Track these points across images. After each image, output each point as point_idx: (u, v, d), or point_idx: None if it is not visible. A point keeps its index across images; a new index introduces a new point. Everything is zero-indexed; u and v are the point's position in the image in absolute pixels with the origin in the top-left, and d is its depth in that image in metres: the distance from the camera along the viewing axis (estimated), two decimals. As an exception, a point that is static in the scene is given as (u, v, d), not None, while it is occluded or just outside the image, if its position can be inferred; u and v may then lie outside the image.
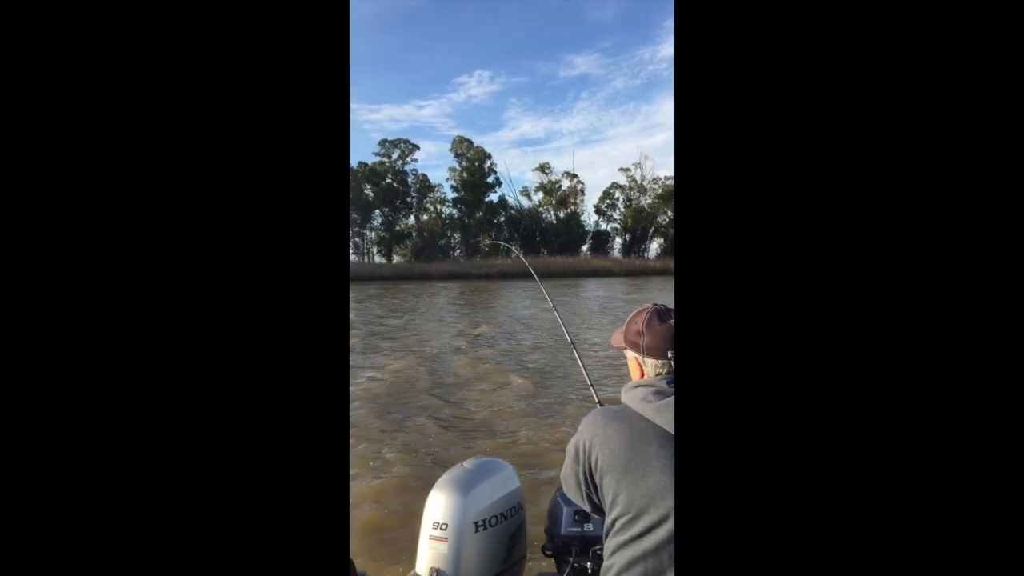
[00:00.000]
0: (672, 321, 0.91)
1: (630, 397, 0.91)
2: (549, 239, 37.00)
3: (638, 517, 0.83)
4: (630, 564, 0.83)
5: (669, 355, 0.90)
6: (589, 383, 1.71)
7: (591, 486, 0.93)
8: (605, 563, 0.88)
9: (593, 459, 0.90)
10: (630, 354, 0.97)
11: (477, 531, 1.33)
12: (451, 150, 36.45)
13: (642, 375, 0.95)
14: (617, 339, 1.00)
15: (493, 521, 1.36)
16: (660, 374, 0.91)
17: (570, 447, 0.97)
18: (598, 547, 1.38)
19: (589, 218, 39.86)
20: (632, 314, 0.98)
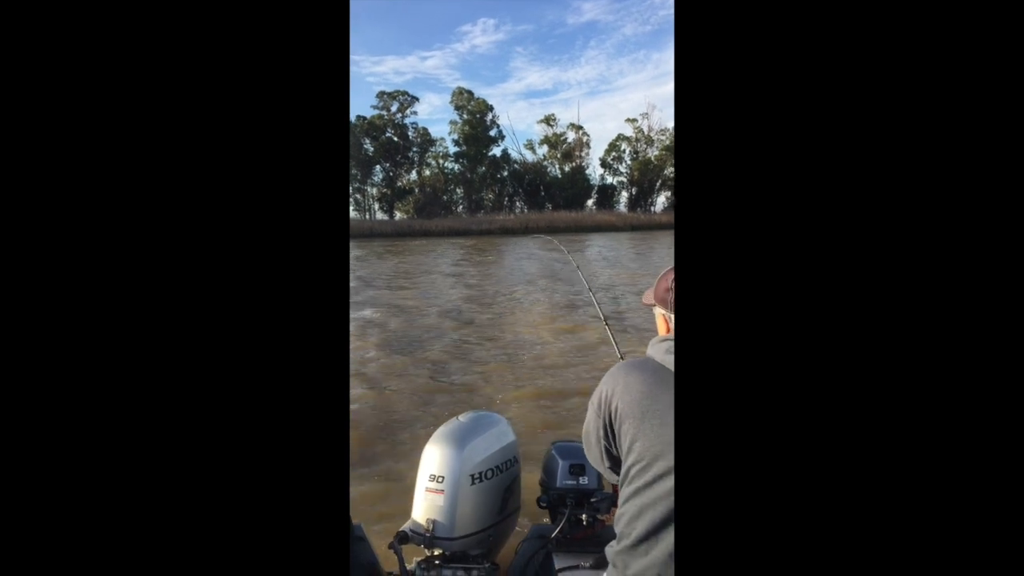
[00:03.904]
0: None
1: (655, 350, 0.91)
2: (553, 194, 36.41)
3: (651, 464, 0.84)
4: (640, 511, 0.84)
5: None
6: (614, 341, 1.71)
7: (610, 437, 0.94)
8: (618, 511, 0.89)
9: (613, 407, 0.91)
10: (658, 311, 0.98)
11: (473, 483, 1.34)
12: (451, 102, 35.37)
13: (668, 331, 0.96)
14: (648, 297, 1.01)
15: (489, 474, 1.36)
16: None
17: (592, 400, 0.98)
18: (593, 499, 1.39)
19: (595, 172, 39.09)
20: (663, 272, 0.98)
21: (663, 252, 15.32)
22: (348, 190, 0.63)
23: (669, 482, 0.82)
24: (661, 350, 0.89)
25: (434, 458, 1.36)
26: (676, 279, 0.58)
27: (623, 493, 0.89)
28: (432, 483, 1.34)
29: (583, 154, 37.95)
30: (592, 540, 1.36)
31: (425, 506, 1.34)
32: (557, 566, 1.29)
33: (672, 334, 0.93)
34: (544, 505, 1.45)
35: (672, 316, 0.94)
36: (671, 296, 0.92)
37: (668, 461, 0.82)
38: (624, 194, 38.93)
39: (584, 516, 1.37)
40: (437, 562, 1.33)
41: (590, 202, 37.93)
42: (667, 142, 37.12)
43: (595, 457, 1.00)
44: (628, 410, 0.89)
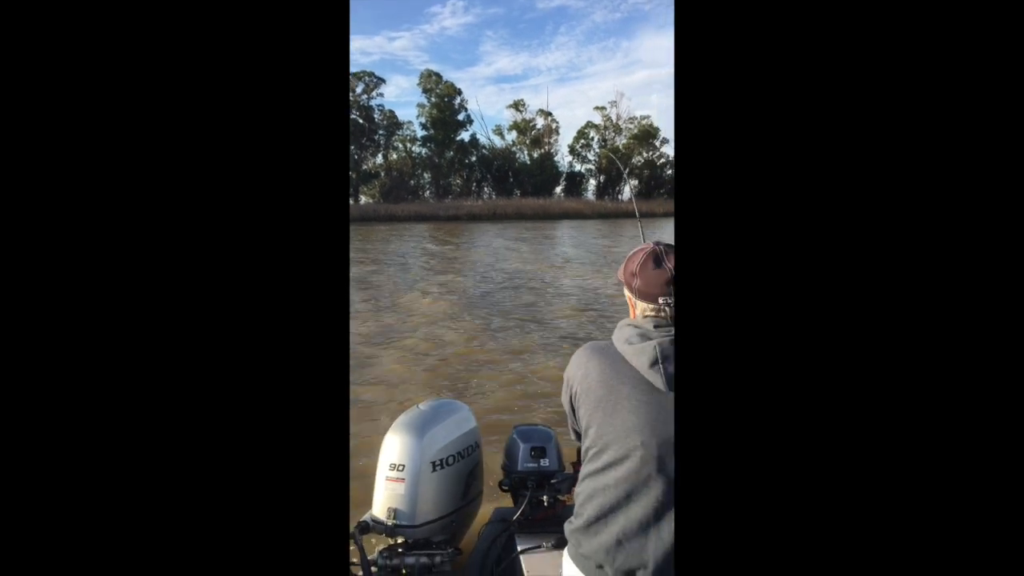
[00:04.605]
0: (670, 266, 0.89)
1: (617, 335, 0.91)
2: (522, 180, 36.28)
3: (603, 451, 0.86)
4: (592, 495, 0.87)
5: (660, 301, 0.89)
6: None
7: (573, 416, 0.96)
8: (577, 487, 0.93)
9: (574, 390, 0.93)
10: (627, 294, 0.97)
11: (434, 471, 1.34)
12: (419, 85, 34.60)
13: (634, 315, 0.96)
14: (620, 274, 0.99)
15: (450, 460, 1.36)
16: (648, 317, 0.91)
17: (564, 376, 0.99)
18: (554, 480, 1.42)
19: (563, 159, 39.11)
20: (633, 251, 0.96)
21: (631, 243, 15.54)
22: (348, 184, 0.62)
23: (617, 471, 0.84)
24: (622, 338, 0.90)
25: (394, 447, 1.35)
26: (676, 276, 0.57)
27: (582, 471, 0.92)
28: (392, 472, 1.33)
29: (552, 141, 37.90)
30: (553, 520, 1.38)
31: (386, 495, 1.33)
32: (519, 547, 1.31)
33: (635, 319, 0.93)
34: (506, 488, 1.46)
35: (638, 301, 0.93)
36: (636, 282, 0.92)
37: (616, 451, 0.84)
38: (592, 182, 39.18)
39: (545, 497, 1.40)
40: (400, 550, 1.32)
41: (558, 189, 37.99)
42: (635, 130, 37.46)
43: (569, 427, 1.03)
44: (585, 397, 0.90)
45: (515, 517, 1.37)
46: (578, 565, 0.89)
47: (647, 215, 27.21)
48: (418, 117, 35.01)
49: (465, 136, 35.83)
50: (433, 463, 1.34)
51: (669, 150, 38.71)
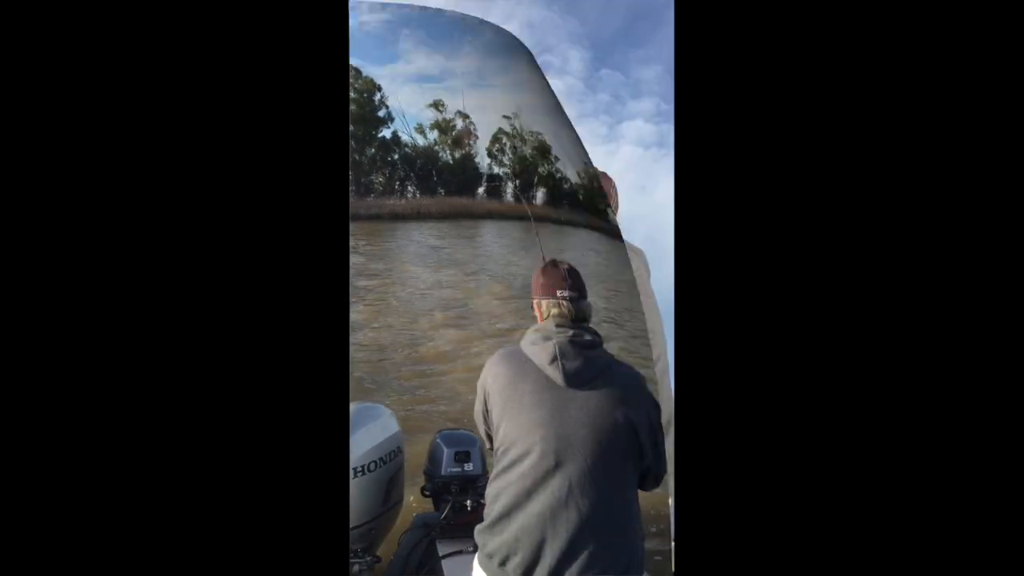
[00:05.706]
0: (564, 267, 1.03)
1: (524, 340, 0.98)
2: (446, 179, 36.03)
3: (509, 449, 0.90)
4: (498, 494, 0.90)
5: (559, 294, 0.98)
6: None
7: (487, 421, 1.00)
8: (488, 488, 0.95)
9: (485, 394, 0.98)
10: (534, 303, 1.04)
11: (355, 477, 1.30)
12: (337, 77, 33.17)
13: (541, 319, 1.02)
14: (535, 294, 1.06)
15: (372, 466, 1.34)
16: (552, 315, 0.98)
17: (478, 384, 1.03)
18: (478, 484, 1.43)
19: (482, 160, 39.35)
20: (536, 271, 1.06)
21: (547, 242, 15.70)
22: (347, 184, 0.61)
23: (520, 468, 0.87)
24: (527, 340, 0.97)
25: None
26: (676, 278, 0.60)
27: (492, 471, 0.95)
28: None
29: (471, 142, 37.98)
30: (475, 524, 1.40)
31: None
32: (440, 553, 1.31)
33: (541, 323, 1.00)
34: (428, 494, 1.45)
35: (543, 301, 1.01)
36: (541, 280, 1.01)
37: (519, 447, 0.88)
38: (510, 185, 39.73)
39: (468, 502, 1.40)
40: None
41: (481, 190, 38.14)
42: (536, 143, 38.54)
43: (483, 437, 1.06)
44: (495, 399, 0.95)
45: (440, 520, 1.37)
46: (483, 567, 0.90)
47: (557, 221, 27.93)
48: (336, 111, 33.53)
49: (387, 133, 34.95)
50: (354, 469, 1.30)
51: (561, 166, 40.21)
